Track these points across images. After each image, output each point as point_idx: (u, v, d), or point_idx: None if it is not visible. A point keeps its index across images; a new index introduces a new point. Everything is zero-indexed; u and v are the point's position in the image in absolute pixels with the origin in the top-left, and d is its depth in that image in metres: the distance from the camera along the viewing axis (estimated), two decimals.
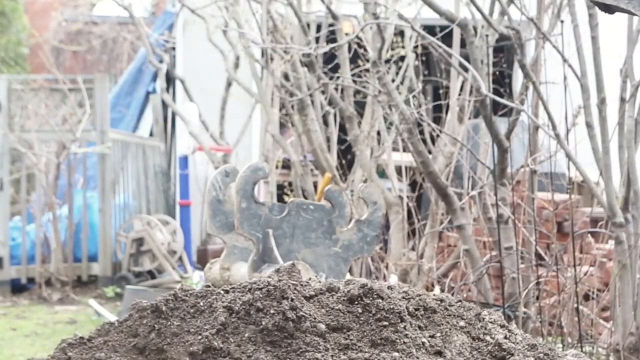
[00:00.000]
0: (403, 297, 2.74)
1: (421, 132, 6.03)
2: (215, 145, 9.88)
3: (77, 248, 9.78)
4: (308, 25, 7.69)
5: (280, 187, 8.68)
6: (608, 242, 6.24)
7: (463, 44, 5.53)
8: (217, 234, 3.92)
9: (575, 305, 5.03)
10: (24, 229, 9.59)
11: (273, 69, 7.84)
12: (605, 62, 4.49)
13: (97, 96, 9.68)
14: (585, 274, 5.76)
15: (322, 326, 2.59)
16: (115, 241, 9.76)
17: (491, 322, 2.76)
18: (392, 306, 2.63)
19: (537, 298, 5.65)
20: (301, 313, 2.58)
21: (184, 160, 9.97)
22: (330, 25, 7.20)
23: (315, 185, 7.85)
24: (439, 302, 2.75)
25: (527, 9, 4.92)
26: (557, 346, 5.04)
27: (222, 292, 2.70)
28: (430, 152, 6.29)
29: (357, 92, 7.14)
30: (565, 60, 4.64)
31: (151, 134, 11.99)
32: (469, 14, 5.48)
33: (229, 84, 10.02)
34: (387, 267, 6.71)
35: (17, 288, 9.51)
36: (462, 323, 2.72)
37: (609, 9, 2.25)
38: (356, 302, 2.66)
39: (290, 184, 8.31)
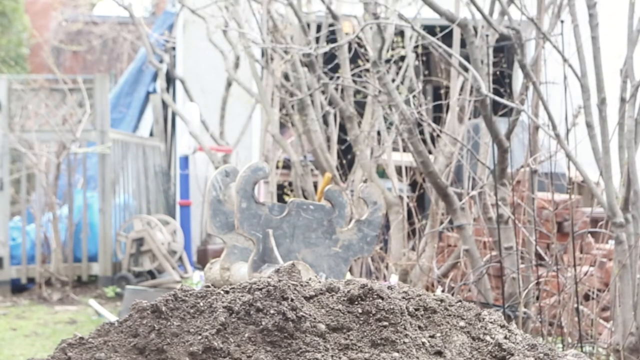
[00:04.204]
0: (403, 297, 2.74)
1: (421, 132, 6.03)
2: (215, 146, 9.88)
3: (77, 248, 9.79)
4: (308, 25, 7.69)
5: (280, 187, 8.68)
6: (608, 242, 6.24)
7: (463, 44, 5.53)
8: (217, 234, 3.92)
9: (575, 305, 5.03)
10: (24, 229, 9.59)
11: (273, 69, 7.84)
12: (605, 62, 4.49)
13: (97, 96, 9.68)
14: (585, 274, 5.76)
15: (322, 326, 2.59)
16: (115, 241, 9.76)
17: (491, 322, 2.77)
18: (392, 306, 2.63)
19: (537, 298, 5.65)
20: (301, 313, 2.58)
21: (184, 161, 9.98)
22: (330, 25, 7.20)
23: (315, 185, 7.85)
24: (439, 302, 2.76)
25: (527, 9, 4.92)
26: (557, 346, 5.04)
27: (222, 292, 2.70)
28: (430, 152, 6.29)
29: (357, 92, 7.14)
30: (565, 60, 4.64)
31: (151, 134, 11.99)
32: (469, 14, 5.48)
33: (229, 84, 10.02)
34: (387, 267, 6.71)
35: (17, 288, 9.51)
36: (462, 323, 2.72)
37: None
38: (356, 302, 2.66)
39: (290, 184, 8.31)
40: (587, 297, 5.97)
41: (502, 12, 5.48)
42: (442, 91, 6.87)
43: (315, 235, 3.87)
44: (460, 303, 2.78)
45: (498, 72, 6.95)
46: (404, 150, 6.92)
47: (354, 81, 6.91)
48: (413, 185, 7.54)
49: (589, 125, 4.48)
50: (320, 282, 2.80)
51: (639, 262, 4.54)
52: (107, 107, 9.76)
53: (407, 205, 6.75)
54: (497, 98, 4.87)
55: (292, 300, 2.60)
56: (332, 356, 2.54)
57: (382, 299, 2.65)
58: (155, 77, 11.94)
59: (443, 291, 5.63)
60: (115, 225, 9.89)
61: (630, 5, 4.43)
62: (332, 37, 7.38)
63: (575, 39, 4.50)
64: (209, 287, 2.75)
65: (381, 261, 6.80)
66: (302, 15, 7.32)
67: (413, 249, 6.83)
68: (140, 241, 9.55)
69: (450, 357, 2.61)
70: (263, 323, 2.55)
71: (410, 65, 7.04)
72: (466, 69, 5.47)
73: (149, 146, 11.23)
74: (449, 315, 2.73)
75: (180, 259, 9.62)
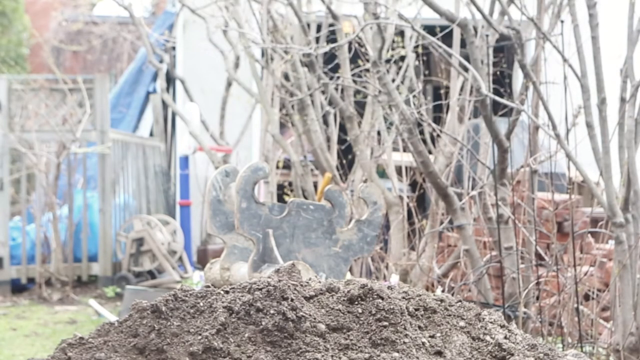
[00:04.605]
0: (403, 297, 2.74)
1: (421, 132, 6.03)
2: (215, 146, 9.88)
3: (77, 248, 9.78)
4: (308, 25, 7.69)
5: (280, 187, 8.68)
6: (608, 242, 6.24)
7: (463, 44, 5.53)
8: (217, 234, 3.92)
9: (575, 305, 5.03)
10: (24, 229, 9.59)
11: (273, 69, 7.84)
12: (605, 62, 4.49)
13: (97, 96, 9.68)
14: (585, 274, 5.76)
15: (322, 326, 2.59)
16: (115, 241, 9.76)
17: (491, 322, 2.77)
18: (392, 306, 2.63)
19: (537, 298, 5.64)
20: (301, 313, 2.58)
21: (184, 161, 9.98)
22: (330, 25, 7.20)
23: (315, 185, 7.85)
24: (439, 302, 2.75)
25: (527, 9, 4.92)
26: (557, 346, 5.04)
27: (222, 292, 2.70)
28: (430, 152, 6.29)
29: (357, 92, 7.14)
30: (565, 60, 4.64)
31: (151, 134, 11.99)
32: (469, 14, 5.48)
33: (229, 84, 10.02)
34: (387, 267, 6.71)
35: (17, 288, 9.51)
36: (462, 323, 2.72)
37: None
38: (356, 302, 2.66)
39: (290, 184, 8.31)
40: (587, 297, 5.97)
41: (502, 12, 5.48)
42: (442, 91, 6.87)
43: (315, 235, 3.87)
44: (460, 303, 2.78)
45: (498, 72, 6.95)
46: (404, 150, 6.91)
47: (354, 81, 6.91)
48: (413, 185, 7.54)
49: (589, 125, 4.48)
50: (320, 282, 2.80)
51: (639, 262, 4.53)
52: (107, 107, 9.76)
53: (407, 205, 6.75)
54: (497, 98, 4.86)
55: (292, 300, 2.60)
56: (332, 356, 2.54)
57: (382, 299, 2.65)
58: (155, 77, 11.94)
59: (443, 291, 5.63)
60: (115, 225, 9.89)
61: (630, 5, 4.43)
62: (332, 37, 7.38)
63: (575, 39, 4.50)
64: (209, 287, 2.75)
65: (381, 261, 6.80)
66: (302, 15, 7.32)
67: (413, 249, 6.83)
68: (140, 241, 9.55)
69: (450, 357, 2.61)
70: (263, 323, 2.55)
71: (410, 65, 7.04)
72: (466, 69, 5.47)
73: (149, 146, 11.22)
74: (449, 315, 2.73)
75: (180, 259, 9.61)
